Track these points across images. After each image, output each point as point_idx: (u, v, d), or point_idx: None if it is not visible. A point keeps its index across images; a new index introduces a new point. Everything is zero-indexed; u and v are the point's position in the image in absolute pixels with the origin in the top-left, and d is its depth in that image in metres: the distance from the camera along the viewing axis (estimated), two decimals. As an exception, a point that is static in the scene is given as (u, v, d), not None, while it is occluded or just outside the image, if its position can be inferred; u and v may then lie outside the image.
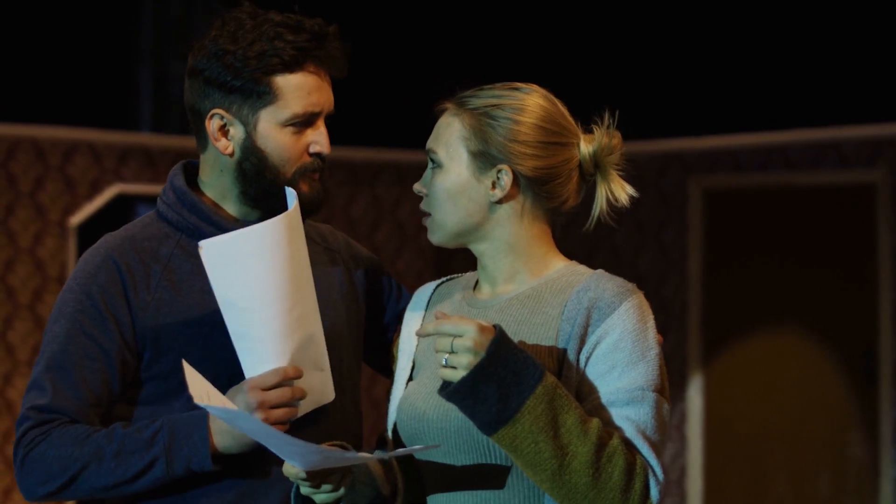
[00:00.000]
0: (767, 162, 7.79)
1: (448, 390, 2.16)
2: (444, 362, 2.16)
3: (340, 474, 2.28)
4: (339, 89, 2.52)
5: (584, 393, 2.25)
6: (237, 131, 2.46)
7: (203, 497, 2.43)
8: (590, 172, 2.39)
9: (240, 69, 2.42)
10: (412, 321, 2.48)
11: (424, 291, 2.52)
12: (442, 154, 2.35)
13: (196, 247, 2.36)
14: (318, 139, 2.47)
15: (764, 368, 7.84)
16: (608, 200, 2.39)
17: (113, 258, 2.45)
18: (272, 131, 2.45)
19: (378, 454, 2.28)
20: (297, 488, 2.32)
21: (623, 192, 2.40)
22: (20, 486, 2.40)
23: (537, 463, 2.15)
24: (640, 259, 8.17)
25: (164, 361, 2.44)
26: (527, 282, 2.36)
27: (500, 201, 2.34)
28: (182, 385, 2.35)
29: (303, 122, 2.46)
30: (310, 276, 2.39)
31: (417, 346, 2.44)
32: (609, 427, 2.21)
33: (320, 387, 2.43)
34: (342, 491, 2.29)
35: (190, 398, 2.25)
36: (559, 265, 2.38)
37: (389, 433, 2.41)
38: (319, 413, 2.47)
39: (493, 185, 2.33)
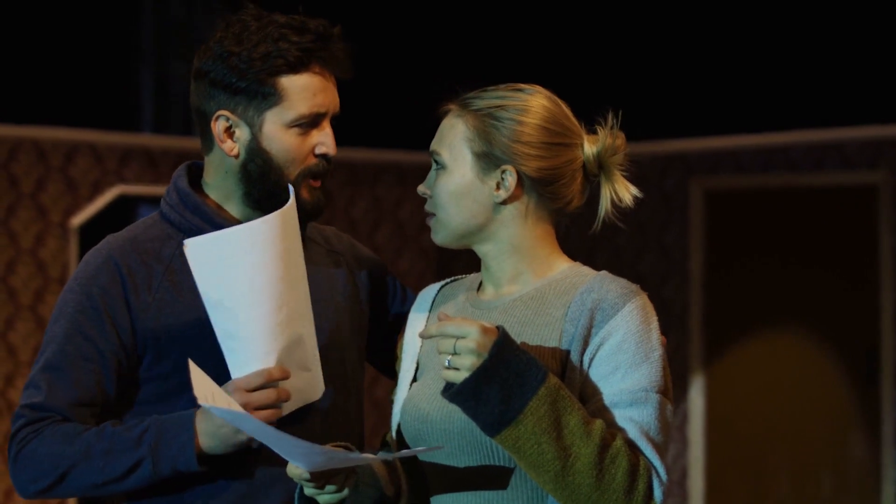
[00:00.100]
0: (769, 163, 7.78)
1: (451, 392, 2.15)
2: (447, 364, 2.16)
3: (344, 475, 2.28)
4: (340, 90, 2.52)
5: (588, 394, 2.25)
6: (243, 133, 2.46)
7: (203, 497, 2.43)
8: (594, 173, 2.39)
9: (245, 70, 2.42)
10: (416, 322, 2.48)
11: (428, 293, 2.51)
12: (446, 155, 2.35)
13: (197, 248, 2.36)
14: (323, 140, 2.47)
15: (765, 369, 7.83)
16: (612, 201, 2.39)
17: (114, 259, 2.45)
18: (278, 132, 2.45)
19: (382, 455, 2.28)
20: (301, 489, 2.31)
21: (627, 192, 2.39)
22: (14, 482, 2.42)
23: (540, 464, 2.15)
24: (641, 260, 8.16)
25: (165, 362, 2.44)
26: (530, 283, 2.36)
27: (504, 202, 2.34)
28: (182, 385, 2.35)
29: (308, 123, 2.46)
30: (303, 276, 2.38)
31: (421, 347, 2.43)
32: (612, 428, 2.20)
33: (306, 387, 2.42)
34: (346, 492, 2.28)
35: (191, 399, 2.25)
36: (563, 266, 2.37)
37: (393, 434, 2.41)
38: (321, 414, 2.47)
39: (498, 186, 2.33)
